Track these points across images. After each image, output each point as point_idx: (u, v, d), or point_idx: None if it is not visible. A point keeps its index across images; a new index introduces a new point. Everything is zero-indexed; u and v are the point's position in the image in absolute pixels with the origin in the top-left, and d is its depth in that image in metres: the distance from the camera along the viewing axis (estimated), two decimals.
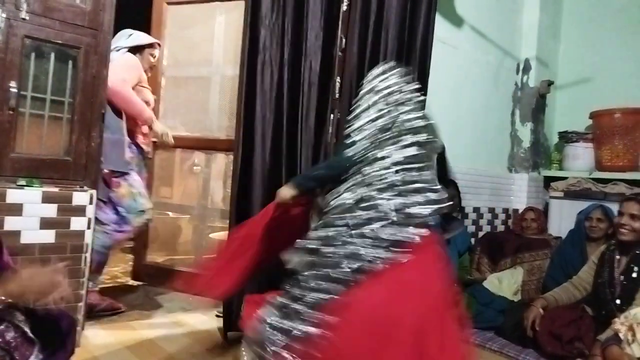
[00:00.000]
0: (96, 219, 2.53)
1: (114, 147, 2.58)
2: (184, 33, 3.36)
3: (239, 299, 2.42)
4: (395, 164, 1.75)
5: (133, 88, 2.71)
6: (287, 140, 2.61)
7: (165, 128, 2.90)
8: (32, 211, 1.97)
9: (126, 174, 2.64)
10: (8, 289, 1.28)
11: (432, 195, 1.76)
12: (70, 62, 2.18)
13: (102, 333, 2.37)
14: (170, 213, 3.62)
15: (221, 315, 2.47)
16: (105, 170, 2.55)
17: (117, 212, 2.62)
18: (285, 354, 1.58)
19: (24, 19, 2.00)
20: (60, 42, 2.12)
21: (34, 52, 2.09)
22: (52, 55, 2.13)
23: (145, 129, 2.83)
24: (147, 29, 3.21)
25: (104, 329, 2.42)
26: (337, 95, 2.82)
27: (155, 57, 2.94)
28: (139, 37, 2.84)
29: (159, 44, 2.96)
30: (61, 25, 2.11)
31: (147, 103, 2.81)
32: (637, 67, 3.97)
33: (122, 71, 2.64)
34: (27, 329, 1.33)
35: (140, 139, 2.81)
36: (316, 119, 2.67)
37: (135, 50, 2.80)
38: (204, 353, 2.24)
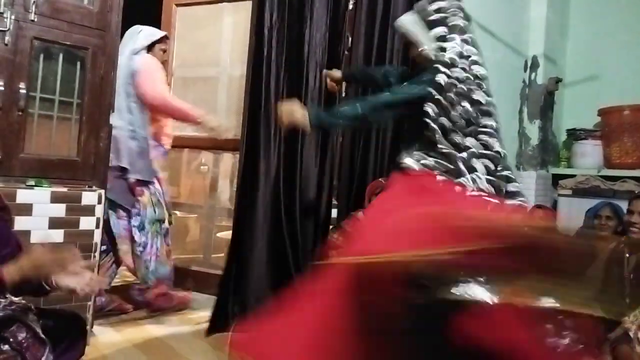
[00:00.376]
0: (112, 242, 2.62)
1: (141, 156, 2.60)
2: (193, 34, 3.37)
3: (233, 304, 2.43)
4: None
5: None
6: (294, 140, 2.62)
7: (219, 120, 2.86)
8: (41, 211, 1.99)
9: (150, 182, 2.66)
10: (23, 264, 1.27)
11: None
12: (78, 63, 2.19)
13: (111, 331, 2.38)
14: (178, 212, 3.64)
15: None
16: (132, 180, 2.57)
17: (129, 222, 2.61)
18: None
19: (32, 20, 2.02)
20: (68, 43, 2.14)
21: (42, 54, 2.10)
22: (61, 57, 2.15)
23: (168, 129, 2.83)
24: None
25: (112, 328, 2.44)
26: (343, 95, 2.82)
27: (165, 51, 2.87)
28: (151, 34, 2.76)
29: (167, 37, 2.89)
30: (69, 26, 2.13)
31: None
32: None
33: (157, 81, 2.65)
34: (38, 329, 1.34)
35: (164, 140, 2.81)
36: None
37: (148, 48, 2.75)
38: (211, 351, 2.25)
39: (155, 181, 2.69)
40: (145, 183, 2.63)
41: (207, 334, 2.37)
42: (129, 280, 3.36)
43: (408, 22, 1.87)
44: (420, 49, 1.83)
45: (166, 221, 2.75)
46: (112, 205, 2.54)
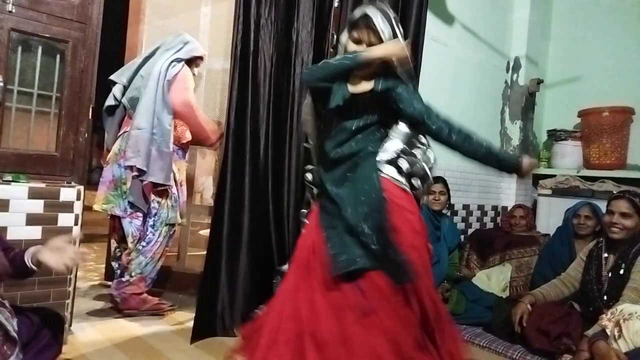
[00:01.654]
0: (124, 239, 2.64)
1: (159, 160, 2.58)
2: (165, 23, 3.20)
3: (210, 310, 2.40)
4: None
5: None
6: (280, 136, 2.61)
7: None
8: (18, 207, 1.94)
9: (168, 186, 2.64)
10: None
11: None
12: (58, 56, 2.15)
13: (90, 330, 2.34)
14: None
15: None
16: (146, 182, 2.55)
17: (144, 223, 2.61)
18: None
19: (10, 11, 1.97)
20: (47, 35, 2.09)
21: (20, 46, 2.06)
22: (40, 49, 2.11)
23: (188, 133, 2.78)
24: (124, 18, 3.11)
25: (91, 327, 2.40)
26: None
27: (198, 68, 2.88)
28: (193, 49, 2.78)
29: (203, 58, 2.90)
30: (49, 18, 2.08)
31: None
32: (626, 65, 4.01)
33: (188, 90, 2.71)
34: (9, 328, 1.31)
35: (184, 142, 2.77)
36: None
37: (188, 61, 2.77)
38: (192, 349, 2.22)
39: (174, 185, 2.68)
40: (164, 186, 2.62)
41: (192, 340, 2.31)
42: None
43: (384, 25, 1.71)
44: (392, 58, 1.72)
45: (175, 225, 2.76)
46: (132, 206, 2.57)
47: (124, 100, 2.68)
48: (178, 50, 2.71)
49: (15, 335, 1.32)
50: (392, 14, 1.75)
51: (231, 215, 2.48)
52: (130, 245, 2.61)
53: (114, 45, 3.12)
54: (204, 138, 2.82)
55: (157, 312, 2.64)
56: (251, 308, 2.46)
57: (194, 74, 2.86)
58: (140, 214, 2.59)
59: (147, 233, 2.61)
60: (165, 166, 2.62)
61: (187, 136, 2.77)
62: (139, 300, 2.60)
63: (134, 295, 2.59)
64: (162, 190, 2.64)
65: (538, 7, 4.31)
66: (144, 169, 2.52)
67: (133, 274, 2.58)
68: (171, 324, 2.55)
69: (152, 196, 2.61)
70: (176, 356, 2.13)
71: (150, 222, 2.62)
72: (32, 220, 1.97)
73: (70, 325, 2.20)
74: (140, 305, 2.61)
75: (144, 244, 2.61)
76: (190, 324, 2.43)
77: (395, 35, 1.73)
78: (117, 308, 2.62)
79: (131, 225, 2.59)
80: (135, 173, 2.53)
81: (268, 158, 2.58)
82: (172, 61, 2.66)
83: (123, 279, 2.59)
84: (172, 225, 2.72)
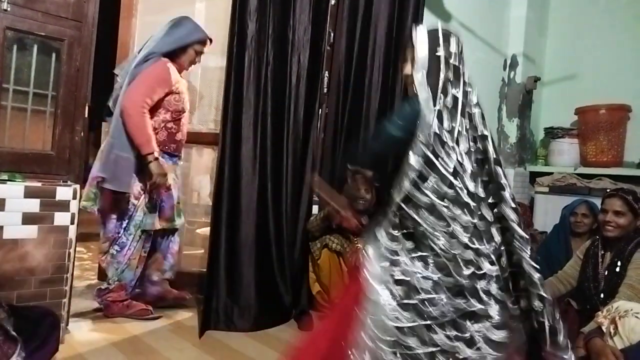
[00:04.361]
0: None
1: (117, 166, 2.37)
2: (159, 19, 2.95)
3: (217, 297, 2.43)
4: None
5: (162, 99, 2.46)
6: (275, 135, 2.61)
7: (162, 170, 2.44)
8: (14, 206, 1.93)
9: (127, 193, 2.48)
10: None
11: None
12: (53, 55, 2.15)
13: (87, 329, 2.34)
14: None
15: None
16: (107, 190, 2.39)
17: (120, 224, 2.51)
18: None
19: (5, 10, 1.97)
20: (43, 34, 2.09)
21: (16, 44, 2.05)
22: (35, 48, 2.10)
23: (179, 135, 2.59)
24: (115, 13, 3.06)
25: (88, 326, 2.39)
26: (325, 90, 2.82)
27: (202, 54, 2.63)
28: (180, 38, 2.52)
29: (210, 40, 2.62)
30: (44, 17, 2.08)
31: (180, 111, 2.56)
32: (622, 63, 4.01)
33: (143, 87, 2.36)
34: (9, 327, 1.31)
35: (172, 147, 2.59)
36: (304, 114, 2.68)
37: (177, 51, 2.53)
38: (190, 348, 2.23)
39: (162, 190, 2.53)
40: (122, 193, 2.45)
41: (200, 334, 2.34)
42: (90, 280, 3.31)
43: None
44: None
45: (149, 231, 2.58)
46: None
47: (109, 103, 2.48)
48: (162, 43, 2.48)
49: (15, 334, 1.32)
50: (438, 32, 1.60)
51: (229, 213, 2.49)
52: (104, 245, 2.53)
53: (105, 41, 3.08)
54: (138, 143, 2.38)
55: (141, 317, 2.53)
56: (252, 302, 2.51)
57: (195, 62, 2.64)
58: (114, 216, 2.48)
59: (121, 236, 2.50)
60: (124, 172, 2.39)
61: (179, 138, 2.62)
62: (121, 307, 2.53)
63: (116, 302, 2.52)
64: (138, 193, 2.49)
65: (535, 5, 4.31)
66: (102, 175, 2.35)
67: (111, 280, 2.50)
68: (168, 322, 2.55)
69: (131, 198, 2.48)
70: (174, 355, 2.13)
71: (124, 225, 2.50)
72: (28, 219, 1.97)
73: (67, 324, 2.20)
74: (124, 310, 2.53)
75: (117, 247, 2.50)
76: (188, 322, 2.45)
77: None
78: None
79: (112, 226, 2.50)
80: (99, 179, 2.38)
81: (266, 156, 2.59)
82: (145, 58, 2.43)
83: (103, 287, 2.53)
84: (149, 232, 2.55)
